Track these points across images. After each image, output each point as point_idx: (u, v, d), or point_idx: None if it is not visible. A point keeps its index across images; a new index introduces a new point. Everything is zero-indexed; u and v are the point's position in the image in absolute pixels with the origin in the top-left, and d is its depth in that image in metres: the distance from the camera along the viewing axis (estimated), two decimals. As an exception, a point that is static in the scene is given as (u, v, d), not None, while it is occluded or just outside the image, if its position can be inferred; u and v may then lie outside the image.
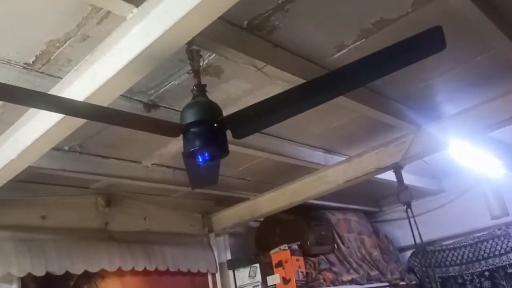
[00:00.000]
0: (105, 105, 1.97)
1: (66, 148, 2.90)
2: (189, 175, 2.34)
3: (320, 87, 1.73)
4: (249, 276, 4.35)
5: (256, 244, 4.72)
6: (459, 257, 5.01)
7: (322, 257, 4.56)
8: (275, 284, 4.15)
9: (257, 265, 4.33)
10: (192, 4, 1.51)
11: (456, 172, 4.77)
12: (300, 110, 1.84)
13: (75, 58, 2.00)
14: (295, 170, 3.85)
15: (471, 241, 4.96)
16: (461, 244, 5.02)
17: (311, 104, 1.82)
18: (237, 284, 4.43)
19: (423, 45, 1.54)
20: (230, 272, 4.50)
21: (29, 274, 3.11)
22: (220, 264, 4.51)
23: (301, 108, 1.84)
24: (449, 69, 2.80)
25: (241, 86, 2.56)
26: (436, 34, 1.46)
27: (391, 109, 3.02)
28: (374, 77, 1.76)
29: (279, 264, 4.17)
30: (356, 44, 2.32)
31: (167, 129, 1.80)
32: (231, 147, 1.87)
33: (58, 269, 3.26)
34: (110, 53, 1.84)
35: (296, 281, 4.03)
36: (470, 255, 4.93)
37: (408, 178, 4.12)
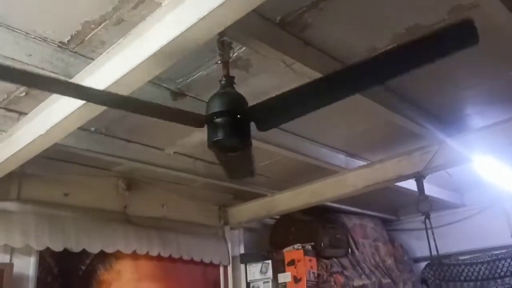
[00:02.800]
0: (133, 89, 2.02)
1: (92, 129, 2.96)
2: (223, 166, 2.32)
3: (347, 78, 1.64)
4: (261, 272, 4.36)
5: (270, 241, 4.73)
6: (475, 273, 4.91)
7: (335, 260, 4.54)
8: (285, 282, 4.16)
9: (270, 261, 4.34)
10: (228, -5, 1.52)
11: (479, 187, 4.68)
12: (325, 103, 1.75)
13: (109, 40, 2.04)
14: (315, 171, 3.84)
15: (489, 258, 4.86)
16: (478, 260, 4.92)
17: (337, 96, 1.74)
18: (248, 279, 4.45)
19: (454, 38, 1.40)
20: (242, 266, 4.52)
21: (48, 249, 3.19)
22: (233, 257, 4.54)
23: (326, 100, 1.76)
24: (482, 82, 2.76)
25: (269, 81, 2.57)
26: (467, 27, 1.33)
27: (418, 117, 2.99)
28: (401, 70, 1.62)
29: (292, 262, 4.17)
30: (387, 48, 2.29)
31: (191, 120, 1.81)
32: (253, 142, 1.87)
33: (75, 246, 3.33)
34: (142, 38, 1.87)
35: (307, 281, 4.03)
36: (487, 272, 4.83)
37: (429, 189, 4.08)
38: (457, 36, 1.38)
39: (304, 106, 1.77)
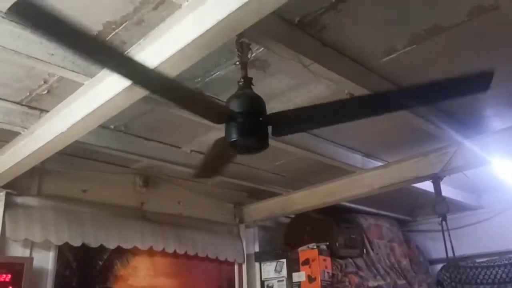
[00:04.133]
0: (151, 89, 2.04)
1: (112, 126, 3.00)
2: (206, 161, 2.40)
3: (366, 104, 1.83)
4: (275, 270, 4.38)
5: (284, 240, 4.74)
6: (492, 276, 4.86)
7: (350, 260, 4.53)
8: (300, 282, 4.17)
9: (284, 260, 4.35)
10: (247, -3, 1.53)
11: (497, 189, 4.63)
12: (343, 121, 1.91)
13: (129, 41, 2.07)
14: (331, 170, 3.84)
15: (506, 261, 4.80)
16: (495, 263, 4.87)
17: (355, 118, 1.94)
18: (263, 277, 4.47)
19: (470, 86, 1.65)
20: (257, 264, 4.54)
21: (66, 243, 3.26)
22: (248, 255, 4.56)
23: (345, 120, 1.93)
24: (501, 83, 2.71)
25: (286, 81, 2.58)
26: (487, 79, 1.56)
27: (435, 118, 2.97)
28: (417, 105, 2.02)
29: (306, 262, 4.18)
30: (406, 49, 2.30)
31: (213, 112, 1.83)
32: (269, 141, 1.90)
33: (93, 242, 3.39)
34: (162, 39, 1.89)
35: (321, 280, 4.04)
36: (504, 275, 4.77)
37: (447, 191, 4.04)
38: (474, 85, 1.64)
39: (322, 122, 1.93)
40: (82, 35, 1.33)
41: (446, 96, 1.74)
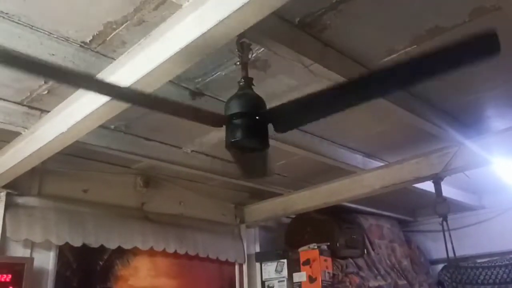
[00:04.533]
0: (153, 89, 2.04)
1: (112, 127, 3.00)
2: (238, 165, 2.35)
3: (365, 85, 1.65)
4: (276, 270, 4.38)
5: (285, 240, 4.74)
6: (493, 277, 4.85)
7: (351, 260, 4.53)
8: (300, 282, 4.16)
9: (285, 260, 4.35)
10: (247, -2, 1.53)
11: (498, 190, 4.62)
12: (343, 108, 1.77)
13: (130, 41, 2.07)
14: (332, 171, 3.84)
15: (507, 262, 4.80)
16: (496, 264, 4.86)
17: (355, 102, 1.75)
18: (263, 277, 4.47)
19: (476, 50, 1.40)
20: (258, 264, 4.54)
21: (67, 244, 3.25)
22: (249, 255, 4.56)
23: (344, 105, 1.77)
24: (503, 84, 2.72)
25: (287, 82, 2.57)
26: (490, 39, 1.33)
27: (436, 119, 2.96)
28: (419, 80, 1.64)
29: (307, 262, 4.17)
30: (407, 49, 2.29)
31: (210, 120, 1.84)
32: (271, 142, 1.89)
33: (94, 242, 3.39)
34: (163, 39, 1.89)
35: (322, 280, 4.03)
36: (505, 276, 4.77)
37: (448, 191, 4.03)
38: (479, 47, 1.38)
39: (323, 110, 1.79)
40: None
41: (452, 66, 1.48)
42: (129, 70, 2.06)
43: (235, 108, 1.77)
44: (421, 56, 1.45)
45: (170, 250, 3.84)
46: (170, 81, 2.33)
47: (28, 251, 3.12)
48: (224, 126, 1.83)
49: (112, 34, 2.04)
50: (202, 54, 1.85)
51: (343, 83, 1.81)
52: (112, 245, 3.49)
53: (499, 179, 3.84)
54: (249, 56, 1.95)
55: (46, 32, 2.01)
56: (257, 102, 1.81)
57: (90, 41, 2.09)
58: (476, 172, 3.58)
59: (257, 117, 1.74)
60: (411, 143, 3.55)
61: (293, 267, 4.26)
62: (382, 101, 2.53)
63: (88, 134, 2.56)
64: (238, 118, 1.75)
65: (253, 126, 1.75)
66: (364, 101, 1.77)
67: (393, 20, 2.12)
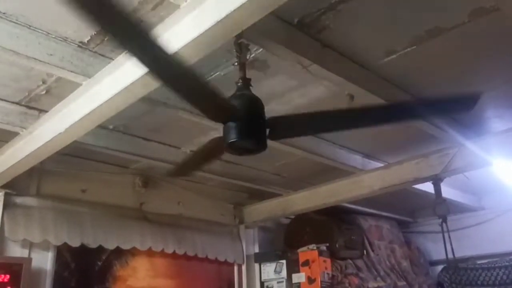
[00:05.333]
0: (151, 89, 2.03)
1: (111, 127, 2.99)
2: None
3: (364, 117, 1.88)
4: (275, 271, 4.37)
5: (284, 241, 4.73)
6: (492, 278, 4.84)
7: (350, 261, 4.52)
8: (299, 283, 4.16)
9: (284, 261, 4.34)
10: (245, -2, 1.52)
11: (498, 191, 4.61)
12: (342, 130, 2.04)
13: (128, 41, 2.06)
14: (331, 172, 3.83)
15: (507, 263, 4.79)
16: (496, 265, 4.85)
17: (352, 127, 2.06)
18: (262, 278, 4.46)
19: (456, 107, 1.83)
20: (257, 265, 4.54)
21: (65, 244, 3.25)
22: (247, 256, 4.55)
23: (343, 128, 2.04)
24: (502, 84, 2.71)
25: (286, 82, 2.57)
26: (472, 100, 1.71)
27: (436, 119, 2.95)
28: (404, 120, 2.19)
29: (306, 263, 4.17)
30: (406, 50, 2.28)
31: (220, 108, 1.75)
32: (270, 142, 1.88)
33: (92, 242, 3.38)
34: (161, 39, 1.87)
35: (321, 281, 4.03)
36: (504, 277, 4.76)
37: (447, 192, 4.03)
38: (460, 106, 1.79)
39: (319, 129, 2.03)
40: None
41: (433, 113, 1.94)
42: (127, 70, 2.05)
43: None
44: (408, 104, 1.86)
45: (169, 250, 3.83)
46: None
47: (26, 251, 3.12)
48: (221, 127, 1.83)
49: (110, 34, 2.03)
50: (200, 55, 1.84)
51: (346, 109, 2.04)
52: (110, 245, 3.49)
53: (499, 180, 3.83)
54: (247, 57, 1.95)
55: (44, 32, 2.00)
56: (256, 104, 1.81)
57: (88, 41, 2.08)
58: (476, 173, 3.58)
59: (256, 119, 1.74)
60: (411, 144, 3.54)
61: (292, 268, 4.26)
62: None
63: (87, 134, 2.55)
64: (237, 119, 1.74)
65: (250, 127, 1.75)
66: (360, 128, 2.12)
67: (392, 21, 2.11)
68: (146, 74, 1.80)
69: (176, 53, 1.71)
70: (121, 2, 1.23)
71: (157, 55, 1.47)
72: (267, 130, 1.83)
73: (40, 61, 2.14)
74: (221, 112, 1.79)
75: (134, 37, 1.40)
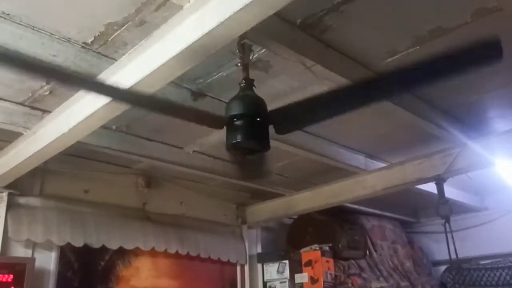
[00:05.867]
0: (154, 90, 2.04)
1: (114, 127, 3.00)
2: (237, 167, 2.36)
3: (368, 89, 1.68)
4: (278, 271, 4.37)
5: (287, 241, 4.73)
6: (495, 278, 4.83)
7: (353, 261, 4.52)
8: (302, 283, 4.16)
9: (287, 261, 4.34)
10: (248, -1, 1.52)
11: (501, 191, 4.61)
12: (345, 111, 1.80)
13: (131, 41, 2.07)
14: (334, 172, 3.83)
15: (510, 264, 4.78)
16: (499, 265, 4.84)
17: (357, 105, 1.79)
18: (265, 278, 4.46)
19: (479, 56, 1.44)
20: (259, 265, 4.54)
21: (68, 244, 3.25)
22: (250, 256, 4.55)
23: (346, 108, 1.80)
24: (505, 84, 2.71)
25: (288, 82, 2.57)
26: (494, 47, 1.39)
27: (439, 120, 2.96)
28: (422, 85, 1.68)
29: (309, 263, 4.17)
30: (409, 50, 2.28)
31: (211, 121, 1.83)
32: (272, 142, 1.89)
33: (95, 242, 3.39)
34: (164, 40, 1.89)
35: (324, 282, 4.03)
36: (508, 277, 4.75)
37: (450, 192, 4.03)
38: (482, 53, 1.42)
39: (325, 113, 1.81)
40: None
41: (455, 71, 1.53)
42: (130, 71, 2.06)
43: (236, 110, 1.77)
44: (424, 61, 1.46)
45: (172, 250, 3.84)
46: (171, 82, 2.33)
47: (30, 251, 3.13)
48: (225, 128, 1.83)
49: (114, 35, 2.04)
50: (203, 56, 1.84)
51: (345, 86, 1.85)
52: (113, 245, 3.49)
53: (502, 180, 3.83)
54: (250, 57, 1.95)
55: (48, 33, 2.01)
56: (258, 104, 1.81)
57: (91, 42, 2.09)
58: (479, 173, 3.57)
59: (258, 119, 1.73)
60: (413, 144, 3.54)
61: (295, 268, 4.26)
62: (384, 102, 2.52)
63: (90, 135, 2.55)
64: (239, 120, 1.75)
65: (254, 127, 1.75)
66: (366, 105, 1.80)
67: (394, 21, 2.11)
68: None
69: (158, 68, 1.85)
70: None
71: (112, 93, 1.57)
72: (272, 127, 1.82)
73: (44, 61, 2.15)
74: (215, 122, 1.81)
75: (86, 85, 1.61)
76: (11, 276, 2.87)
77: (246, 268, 4.51)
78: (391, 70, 1.61)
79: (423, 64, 1.48)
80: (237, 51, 1.93)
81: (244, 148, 1.81)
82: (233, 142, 1.75)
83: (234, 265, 4.43)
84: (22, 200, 3.19)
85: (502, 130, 3.11)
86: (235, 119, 1.75)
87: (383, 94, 1.76)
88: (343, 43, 2.22)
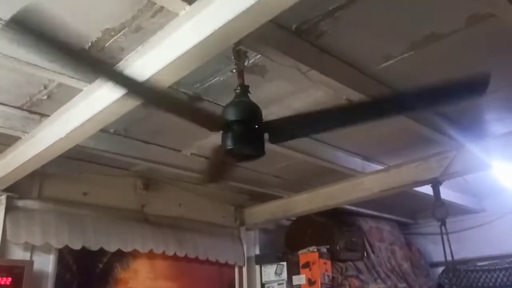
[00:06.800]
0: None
1: (112, 130, 3.01)
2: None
3: (364, 110, 1.82)
4: (276, 273, 4.39)
5: (285, 243, 4.74)
6: (493, 280, 4.84)
7: (350, 263, 4.53)
8: (300, 285, 4.17)
9: (285, 263, 4.36)
10: (244, 6, 1.54)
11: (498, 193, 4.61)
12: (340, 127, 1.95)
13: (128, 47, 2.08)
14: (331, 174, 3.84)
15: (507, 265, 4.79)
16: (496, 267, 4.86)
17: (352, 124, 1.93)
18: (263, 280, 4.48)
19: (467, 91, 1.60)
20: (257, 267, 4.55)
21: (66, 246, 3.27)
22: (248, 258, 4.57)
23: (342, 126, 1.95)
24: (501, 88, 2.72)
25: (284, 87, 2.58)
26: (483, 81, 1.50)
27: (435, 123, 2.97)
28: (413, 111, 1.91)
29: (306, 265, 4.18)
30: (404, 55, 2.30)
31: (208, 121, 1.84)
32: (270, 145, 1.90)
33: (94, 245, 3.40)
34: (160, 47, 1.90)
35: (321, 283, 4.04)
36: (505, 279, 4.76)
37: (448, 194, 4.04)
38: (471, 89, 1.57)
39: (318, 129, 1.95)
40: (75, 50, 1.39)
41: (443, 101, 1.71)
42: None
43: (232, 116, 1.79)
44: (417, 90, 1.65)
45: (170, 252, 3.85)
46: (168, 86, 2.35)
47: (28, 254, 3.14)
48: (221, 132, 1.85)
49: (110, 41, 2.06)
50: (199, 62, 1.86)
51: (343, 105, 2.03)
52: (111, 248, 3.51)
53: (499, 183, 3.84)
54: (245, 64, 1.97)
55: (45, 39, 2.02)
56: (254, 110, 1.83)
57: (88, 47, 2.10)
58: (476, 175, 3.58)
59: (252, 125, 1.75)
60: (410, 147, 3.55)
61: (293, 270, 4.27)
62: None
63: (88, 138, 2.57)
64: (234, 126, 1.76)
65: (249, 134, 1.77)
66: (359, 124, 1.93)
67: (389, 26, 2.13)
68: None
69: (148, 79, 1.87)
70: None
71: (129, 84, 1.63)
72: (266, 135, 1.85)
73: (41, 67, 2.18)
74: (212, 124, 1.83)
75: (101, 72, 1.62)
76: (10, 279, 2.88)
77: (244, 269, 4.52)
78: (385, 95, 1.86)
79: (415, 92, 1.66)
80: (233, 57, 1.94)
81: (239, 154, 1.83)
82: (228, 148, 1.77)
83: (232, 267, 4.45)
84: (20, 203, 3.21)
85: (499, 133, 3.12)
86: (229, 125, 1.76)
87: (372, 117, 1.94)
88: (338, 48, 2.24)
